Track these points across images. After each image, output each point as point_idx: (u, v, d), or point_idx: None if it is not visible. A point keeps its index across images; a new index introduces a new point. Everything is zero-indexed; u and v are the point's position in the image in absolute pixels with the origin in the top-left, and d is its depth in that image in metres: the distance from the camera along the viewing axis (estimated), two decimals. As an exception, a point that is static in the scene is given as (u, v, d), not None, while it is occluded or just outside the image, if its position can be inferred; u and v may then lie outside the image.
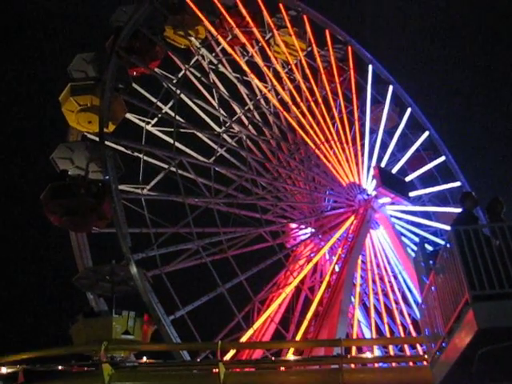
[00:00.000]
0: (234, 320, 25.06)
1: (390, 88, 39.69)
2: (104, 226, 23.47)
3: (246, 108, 31.49)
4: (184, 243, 25.75)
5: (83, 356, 17.77)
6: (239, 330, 25.01)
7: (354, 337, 27.75)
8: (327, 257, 32.58)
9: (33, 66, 50.84)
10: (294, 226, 32.09)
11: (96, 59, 25.32)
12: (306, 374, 16.48)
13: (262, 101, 32.71)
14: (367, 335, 29.59)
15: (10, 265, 41.89)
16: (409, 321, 30.52)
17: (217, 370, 15.71)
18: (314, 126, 34.01)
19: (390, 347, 27.34)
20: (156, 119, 27.79)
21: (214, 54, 31.26)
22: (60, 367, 16.94)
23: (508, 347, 10.37)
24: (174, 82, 28.69)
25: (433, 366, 13.69)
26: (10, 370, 16.55)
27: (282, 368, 17.54)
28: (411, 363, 17.00)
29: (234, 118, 30.43)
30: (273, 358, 21.16)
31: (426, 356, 15.15)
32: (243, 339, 24.66)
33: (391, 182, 33.00)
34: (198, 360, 20.60)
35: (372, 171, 33.99)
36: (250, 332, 25.33)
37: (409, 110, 40.02)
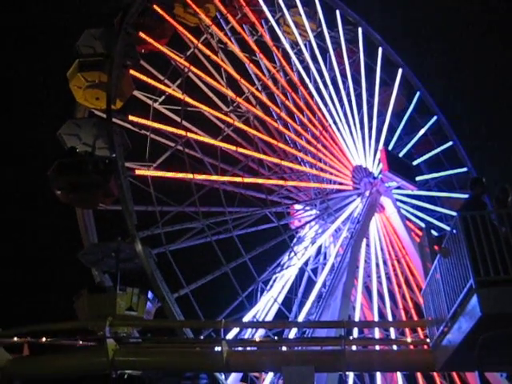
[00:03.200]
0: (237, 299, 25.21)
1: (400, 71, 39.46)
2: (110, 203, 23.53)
3: (254, 87, 31.32)
4: (189, 222, 25.81)
5: (88, 331, 17.95)
6: (242, 309, 25.21)
7: (357, 319, 27.92)
8: (331, 239, 32.65)
9: (40, 42, 50.56)
10: (299, 207, 32.11)
11: (104, 35, 25.10)
12: (308, 354, 16.59)
13: (270, 81, 32.49)
14: (369, 318, 29.75)
15: (17, 240, 42.17)
16: (411, 305, 30.68)
17: (219, 347, 15.86)
18: (322, 107, 33.87)
19: (392, 330, 27.51)
20: (163, 97, 27.65)
21: (223, 33, 30.97)
22: (65, 341, 17.13)
23: (510, 333, 10.41)
24: (183, 59, 28.50)
25: (435, 349, 13.80)
26: (15, 343, 16.75)
27: (284, 348, 17.66)
28: (412, 346, 17.07)
29: (242, 98, 30.31)
30: (275, 338, 21.30)
31: (427, 340, 15.24)
32: (246, 318, 24.86)
33: (398, 166, 32.94)
34: (201, 338, 20.80)
35: (379, 154, 33.90)
36: (252, 311, 25.53)
37: (418, 94, 39.83)
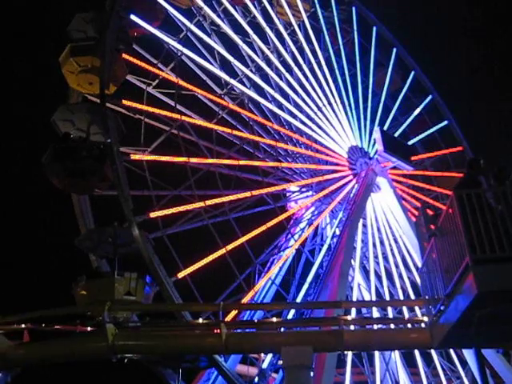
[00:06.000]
0: (235, 282, 25.32)
1: (394, 51, 39.31)
2: (106, 189, 23.48)
3: (248, 69, 31.15)
4: (186, 205, 25.79)
5: (87, 316, 18.03)
6: (240, 291, 25.32)
7: (354, 299, 28.11)
8: (328, 220, 32.73)
9: (32, 26, 50.06)
10: (295, 189, 32.12)
11: (96, 19, 24.83)
12: (306, 334, 16.72)
13: (264, 62, 32.26)
14: (367, 298, 29.95)
15: (14, 228, 42.13)
16: (408, 284, 30.84)
17: (218, 330, 15.96)
18: (317, 88, 33.72)
19: (389, 310, 27.72)
20: (157, 81, 27.47)
21: (215, 15, 30.67)
22: (64, 327, 17.20)
23: (506, 310, 10.50)
24: (175, 42, 28.27)
25: (432, 327, 13.93)
26: (15, 329, 16.82)
27: (282, 329, 17.79)
28: (409, 325, 17.21)
29: (235, 79, 30.15)
30: (274, 319, 21.39)
31: (424, 318, 15.37)
32: (244, 301, 24.98)
33: (393, 146, 32.92)
34: (200, 321, 20.91)
35: (374, 134, 33.86)
36: (251, 294, 25.65)
37: (412, 73, 39.72)
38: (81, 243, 22.67)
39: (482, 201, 10.65)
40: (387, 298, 29.97)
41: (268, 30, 32.93)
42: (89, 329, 17.16)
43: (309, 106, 33.01)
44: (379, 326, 17.78)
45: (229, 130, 29.24)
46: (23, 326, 16.83)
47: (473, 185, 11.57)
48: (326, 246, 30.21)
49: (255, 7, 32.66)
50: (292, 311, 24.43)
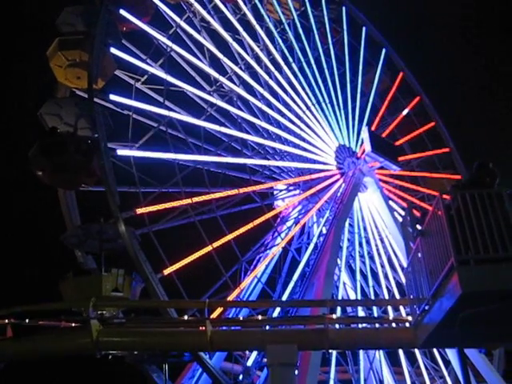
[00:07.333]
0: (221, 279, 25.30)
1: (383, 51, 39.49)
2: (93, 184, 23.35)
3: (238, 67, 31.12)
4: (173, 202, 25.72)
5: (72, 312, 17.95)
6: (226, 289, 25.31)
7: (340, 298, 28.21)
8: (315, 219, 32.80)
9: (20, 19, 49.57)
10: (282, 187, 32.16)
11: (85, 13, 24.69)
12: (291, 333, 16.77)
13: (254, 60, 32.25)
14: (352, 297, 30.07)
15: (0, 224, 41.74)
16: (393, 284, 31.02)
17: (204, 327, 15.97)
18: (306, 87, 33.78)
19: (374, 309, 27.87)
20: (146, 76, 27.36)
21: (206, 11, 30.60)
22: (49, 322, 17.11)
23: (489, 311, 10.60)
24: (165, 38, 28.18)
25: (416, 327, 14.03)
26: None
27: (268, 327, 17.82)
28: (394, 324, 17.31)
29: (224, 77, 30.11)
30: (259, 317, 21.42)
31: (409, 318, 15.48)
32: (230, 298, 24.99)
33: (381, 147, 33.03)
34: (186, 318, 20.88)
35: (362, 134, 33.98)
36: (236, 291, 25.66)
37: (401, 74, 39.93)
38: (67, 239, 22.53)
39: (467, 202, 10.72)
40: (372, 297, 30.12)
41: (258, 27, 32.92)
42: (73, 325, 17.10)
43: (297, 105, 33.04)
44: (364, 324, 17.88)
45: (217, 128, 29.23)
46: (6, 321, 16.71)
47: (472, 186, 11.54)
48: (312, 245, 30.26)
49: (245, 5, 32.64)
50: (277, 309, 24.45)
